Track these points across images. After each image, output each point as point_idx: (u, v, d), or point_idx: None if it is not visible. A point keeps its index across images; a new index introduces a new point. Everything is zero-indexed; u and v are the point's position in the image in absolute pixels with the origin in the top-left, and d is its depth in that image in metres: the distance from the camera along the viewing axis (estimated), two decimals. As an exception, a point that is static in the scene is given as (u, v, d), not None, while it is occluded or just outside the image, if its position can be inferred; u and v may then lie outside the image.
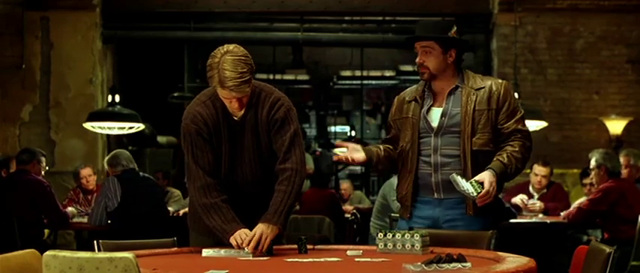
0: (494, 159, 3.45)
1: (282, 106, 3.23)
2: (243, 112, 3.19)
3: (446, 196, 3.52)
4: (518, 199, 6.99)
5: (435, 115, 3.57)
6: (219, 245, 3.12)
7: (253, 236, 3.01)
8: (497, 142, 3.51)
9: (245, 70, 3.04)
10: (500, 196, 6.62)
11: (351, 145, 3.70)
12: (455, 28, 3.62)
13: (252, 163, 3.26)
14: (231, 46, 3.08)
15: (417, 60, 3.58)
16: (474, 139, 3.47)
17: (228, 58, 3.03)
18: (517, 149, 3.46)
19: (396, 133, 3.70)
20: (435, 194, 3.55)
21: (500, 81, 3.60)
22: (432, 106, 3.60)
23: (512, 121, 3.51)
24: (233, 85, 3.02)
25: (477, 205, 3.44)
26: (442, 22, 3.73)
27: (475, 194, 3.32)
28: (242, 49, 3.10)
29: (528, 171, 7.51)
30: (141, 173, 6.29)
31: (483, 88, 3.53)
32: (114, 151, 6.35)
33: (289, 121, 3.24)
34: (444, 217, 3.54)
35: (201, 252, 3.02)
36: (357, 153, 3.61)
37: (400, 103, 3.71)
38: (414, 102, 3.64)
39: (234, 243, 3.04)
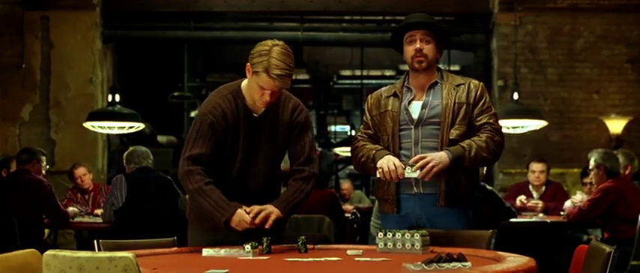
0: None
1: (303, 110, 3.39)
2: (264, 109, 3.25)
3: (425, 190, 3.53)
4: (518, 200, 7.00)
5: (416, 108, 3.58)
6: (218, 244, 3.12)
7: (261, 211, 3.15)
8: (471, 137, 3.52)
9: (292, 65, 3.15)
10: (500, 195, 6.68)
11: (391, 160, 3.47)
12: None
13: (267, 161, 3.33)
14: (277, 41, 3.17)
15: (417, 46, 3.55)
16: (451, 129, 3.49)
17: (278, 49, 3.12)
18: (482, 139, 3.48)
19: (374, 132, 3.67)
20: (415, 189, 3.56)
21: (477, 81, 3.64)
22: (412, 100, 3.61)
23: (485, 115, 3.54)
24: (280, 74, 3.09)
25: (448, 198, 3.48)
26: (433, 18, 3.77)
27: (411, 171, 3.36)
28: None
29: (526, 170, 7.52)
30: (157, 172, 6.19)
31: (463, 84, 3.59)
32: (131, 148, 6.31)
33: (309, 126, 3.41)
34: (425, 215, 3.54)
35: (201, 252, 3.02)
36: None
37: (377, 99, 3.70)
38: (392, 96, 3.64)
39: (235, 225, 3.11)
